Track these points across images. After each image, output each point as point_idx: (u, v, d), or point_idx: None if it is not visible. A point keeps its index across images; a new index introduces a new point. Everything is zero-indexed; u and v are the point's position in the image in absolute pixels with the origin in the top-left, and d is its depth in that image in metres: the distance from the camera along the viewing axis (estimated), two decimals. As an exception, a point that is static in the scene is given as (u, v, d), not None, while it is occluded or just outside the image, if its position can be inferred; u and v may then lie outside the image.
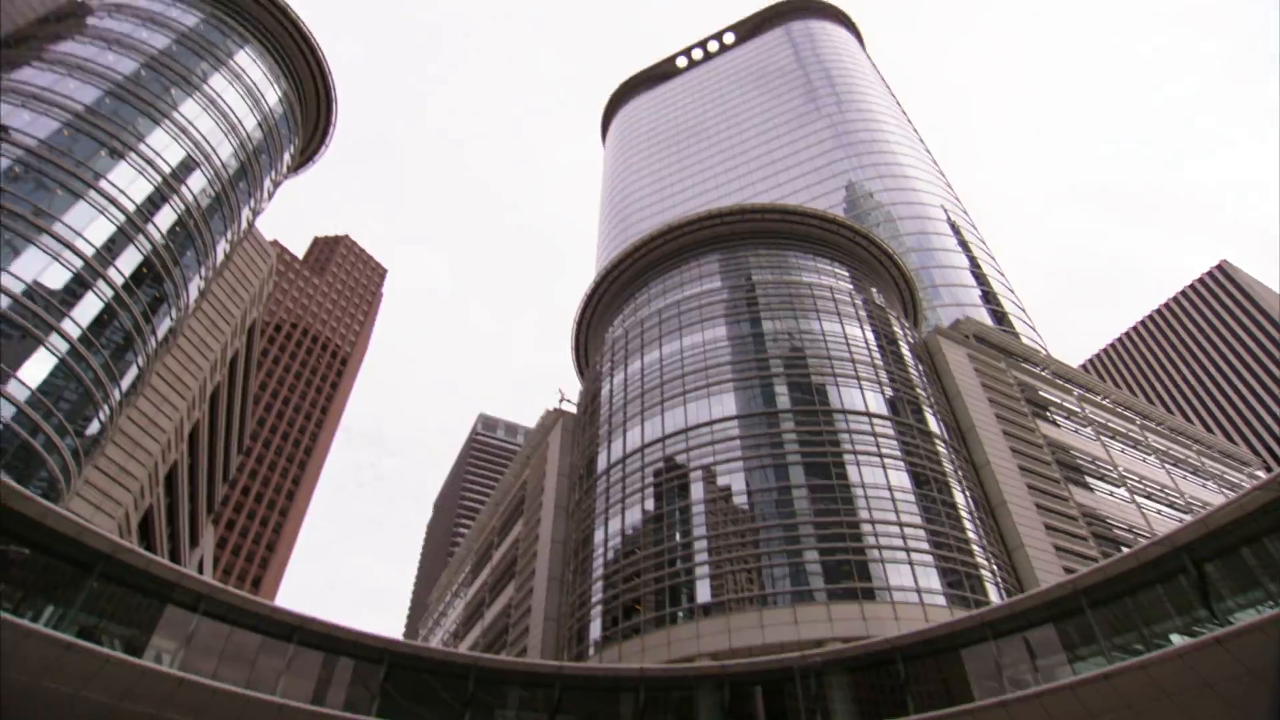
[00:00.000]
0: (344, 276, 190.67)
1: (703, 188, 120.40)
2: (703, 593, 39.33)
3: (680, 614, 39.00)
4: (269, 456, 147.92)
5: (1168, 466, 64.83)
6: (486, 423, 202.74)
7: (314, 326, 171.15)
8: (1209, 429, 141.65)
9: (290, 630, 27.36)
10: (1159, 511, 56.89)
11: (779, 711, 30.18)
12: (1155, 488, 60.19)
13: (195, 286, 37.81)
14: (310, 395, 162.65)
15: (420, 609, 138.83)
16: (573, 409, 65.73)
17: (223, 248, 40.73)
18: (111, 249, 31.22)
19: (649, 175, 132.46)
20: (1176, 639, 23.25)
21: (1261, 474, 74.61)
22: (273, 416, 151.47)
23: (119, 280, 30.86)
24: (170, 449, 37.90)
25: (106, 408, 30.40)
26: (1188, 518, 48.52)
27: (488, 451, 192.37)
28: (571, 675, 32.01)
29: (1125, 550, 37.60)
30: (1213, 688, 22.48)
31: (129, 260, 31.84)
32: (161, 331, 34.46)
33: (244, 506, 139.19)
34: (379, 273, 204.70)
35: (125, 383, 31.57)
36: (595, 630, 42.88)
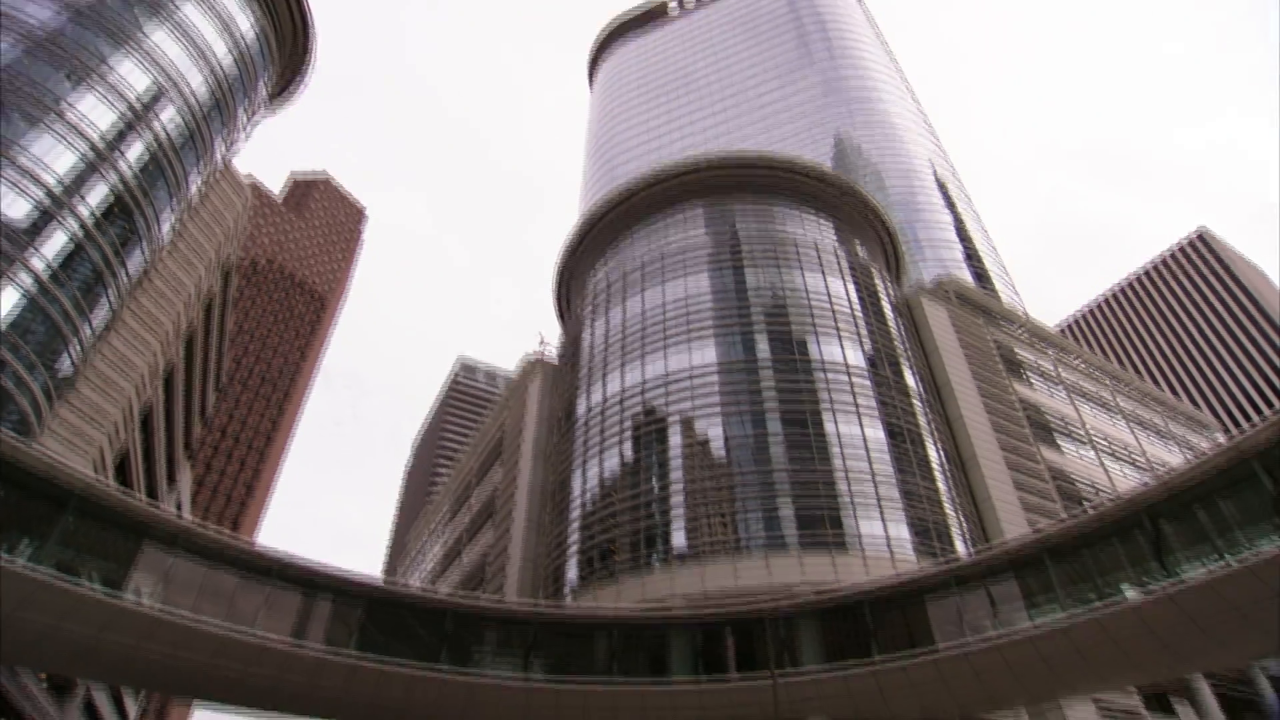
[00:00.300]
0: (322, 217, 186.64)
1: (691, 135, 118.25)
2: (678, 539, 40.15)
3: (655, 559, 39.86)
4: (247, 397, 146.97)
5: (1134, 428, 66.55)
6: (466, 367, 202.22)
7: (292, 267, 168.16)
8: (1175, 393, 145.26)
9: (268, 569, 27.61)
10: (1123, 472, 58.63)
11: (749, 654, 31.21)
12: (1121, 448, 61.89)
13: (168, 223, 36.76)
14: (288, 337, 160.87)
15: (399, 550, 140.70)
16: (553, 354, 65.69)
17: (196, 183, 39.50)
18: (78, 181, 30.13)
19: (636, 120, 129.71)
20: (1128, 590, 24.24)
21: (1221, 438, 76.91)
22: (250, 357, 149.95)
23: (87, 214, 29.89)
24: (145, 388, 37.42)
25: (78, 345, 29.82)
26: (1149, 477, 50.07)
27: (467, 396, 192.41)
28: (548, 617, 32.84)
29: (1088, 506, 38.86)
30: (1159, 636, 23.63)
31: (97, 193, 30.79)
32: (133, 268, 33.61)
33: (222, 447, 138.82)
34: (358, 214, 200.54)
35: (97, 320, 30.90)
36: (572, 574, 43.77)
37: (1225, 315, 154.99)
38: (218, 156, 42.10)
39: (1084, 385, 65.80)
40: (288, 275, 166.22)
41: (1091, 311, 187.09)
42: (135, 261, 33.53)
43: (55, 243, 28.75)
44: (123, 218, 32.25)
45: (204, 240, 41.73)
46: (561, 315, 71.14)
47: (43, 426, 28.85)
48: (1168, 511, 23.96)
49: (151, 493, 46.60)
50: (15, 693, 38.49)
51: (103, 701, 63.24)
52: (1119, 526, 25.04)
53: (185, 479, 65.76)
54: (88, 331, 30.45)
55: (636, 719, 31.29)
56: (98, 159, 31.30)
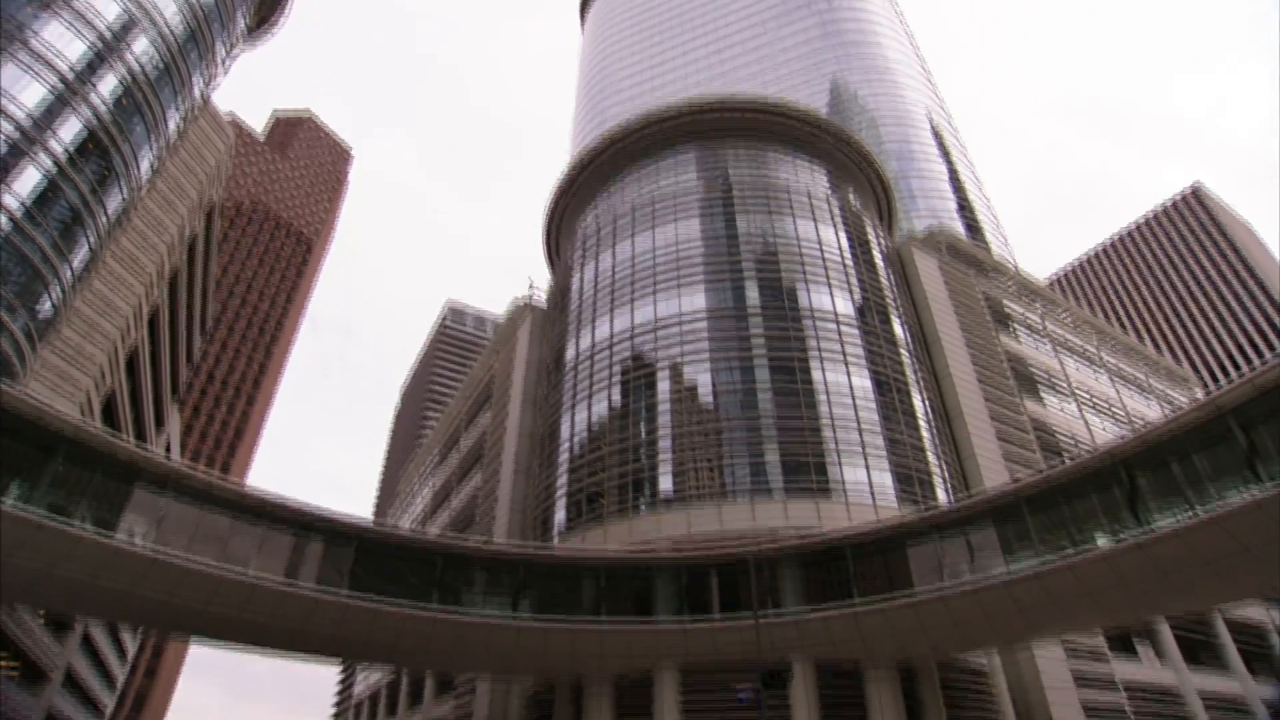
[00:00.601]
0: (307, 158, 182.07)
1: (685, 78, 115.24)
2: (665, 484, 40.72)
3: (642, 504, 40.50)
4: (234, 343, 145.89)
5: (1116, 382, 67.45)
6: (454, 312, 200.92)
7: (277, 209, 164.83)
8: (1159, 349, 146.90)
9: (260, 512, 27.90)
10: (1103, 425, 59.66)
11: (732, 596, 32.12)
12: (1102, 402, 62.83)
13: (147, 162, 35.72)
14: (275, 281, 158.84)
15: (389, 495, 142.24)
16: (542, 300, 65.33)
17: (175, 121, 38.25)
18: (49, 115, 29.06)
19: (629, 62, 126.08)
20: (1101, 539, 24.97)
21: (1200, 394, 78.02)
22: (236, 302, 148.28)
23: (61, 151, 28.95)
24: (130, 331, 37.02)
25: (58, 287, 29.30)
26: (1127, 431, 50.95)
27: (456, 341, 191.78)
28: (536, 558, 33.52)
29: (1067, 458, 39.67)
30: (1128, 584, 24.48)
31: (70, 130, 29.75)
32: (113, 209, 32.80)
33: (210, 392, 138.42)
34: (344, 155, 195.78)
35: (77, 262, 30.31)
36: (560, 517, 44.49)
37: (1213, 272, 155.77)
38: (196, 92, 40.70)
39: (1069, 339, 66.35)
40: (273, 218, 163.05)
41: (1081, 265, 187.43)
42: (114, 201, 32.70)
43: (29, 180, 27.91)
44: (98, 155, 31.29)
45: (185, 181, 40.70)
46: (551, 260, 70.49)
47: (27, 370, 28.57)
48: (1143, 464, 24.50)
49: (140, 436, 46.62)
50: (14, 629, 39.20)
51: (100, 637, 64.58)
52: (1096, 478, 25.63)
53: (174, 423, 65.73)
54: (68, 274, 29.89)
55: (622, 657, 32.35)
56: (68, 92, 30.16)
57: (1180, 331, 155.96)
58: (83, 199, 30.11)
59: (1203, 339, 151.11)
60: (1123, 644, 45.39)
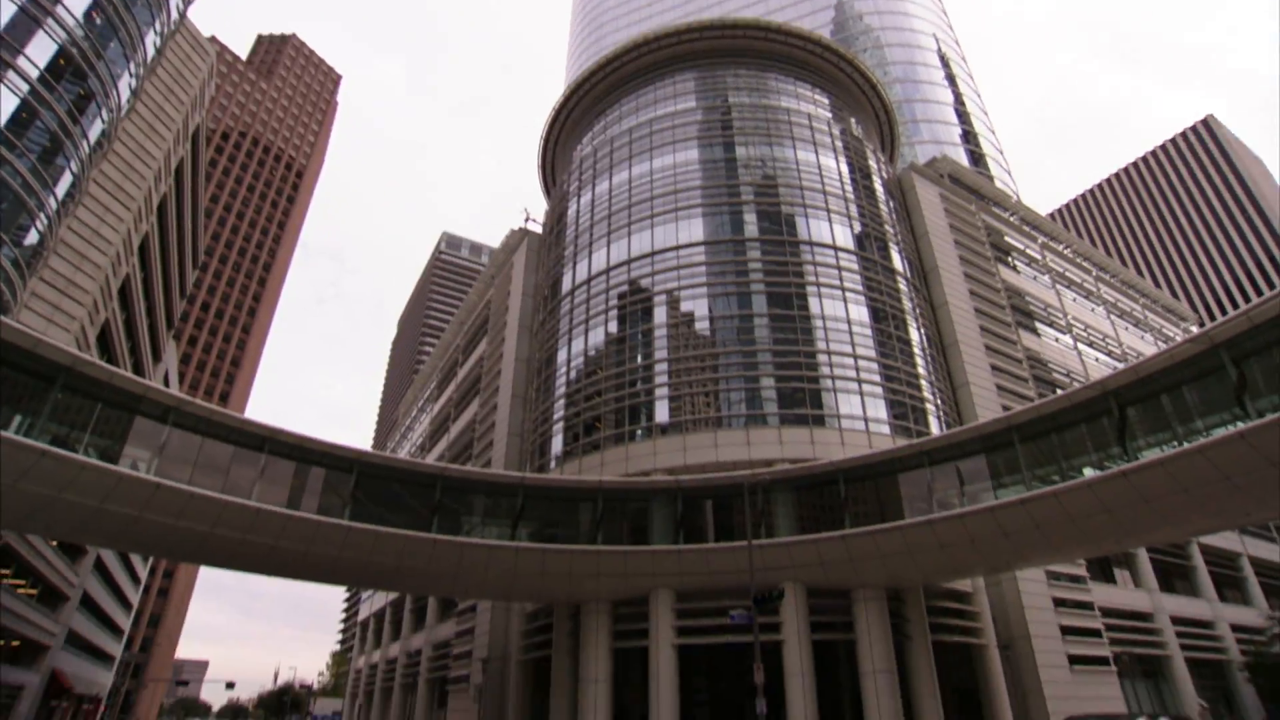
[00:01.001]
0: (293, 81, 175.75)
1: (684, 4, 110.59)
2: (661, 413, 41.17)
3: (639, 432, 41.05)
4: (227, 273, 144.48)
5: (1113, 317, 67.46)
6: (450, 241, 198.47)
7: (265, 136, 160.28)
8: (1158, 284, 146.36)
9: (261, 441, 28.23)
10: (1097, 359, 59.99)
11: (727, 524, 32.98)
12: (1098, 336, 63.00)
13: (126, 85, 34.41)
14: (266, 210, 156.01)
15: (387, 424, 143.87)
16: (538, 228, 64.54)
17: (152, 40, 36.67)
18: (17, 34, 27.85)
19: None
20: (1088, 471, 25.48)
21: (1195, 328, 78.28)
22: (228, 231, 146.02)
23: (33, 72, 27.85)
24: (120, 262, 36.55)
25: (43, 216, 28.72)
26: (1121, 365, 51.28)
27: (452, 270, 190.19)
28: (534, 485, 34.16)
29: (1059, 392, 40.05)
30: (1111, 512, 25.12)
31: (41, 49, 28.51)
32: (93, 134, 31.81)
33: (206, 323, 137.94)
34: (332, 78, 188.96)
35: (60, 189, 29.61)
36: (557, 445, 45.18)
37: (1219, 206, 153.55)
38: (173, 8, 38.92)
39: (1069, 272, 66.00)
40: (261, 145, 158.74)
41: (1085, 197, 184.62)
42: (95, 127, 31.70)
43: (3, 104, 26.97)
44: (73, 76, 30.13)
45: (167, 105, 39.39)
46: (547, 188, 69.22)
47: (18, 302, 28.34)
48: (1134, 397, 24.75)
49: (137, 368, 46.72)
50: (29, 555, 40.29)
51: (113, 562, 66.49)
52: (1087, 410, 25.93)
53: (170, 355, 65.78)
54: (52, 202, 29.25)
55: (619, 578, 33.43)
56: (36, 8, 28.81)
57: (1181, 266, 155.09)
58: (61, 123, 29.18)
59: (1202, 275, 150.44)
60: (1102, 570, 47.06)
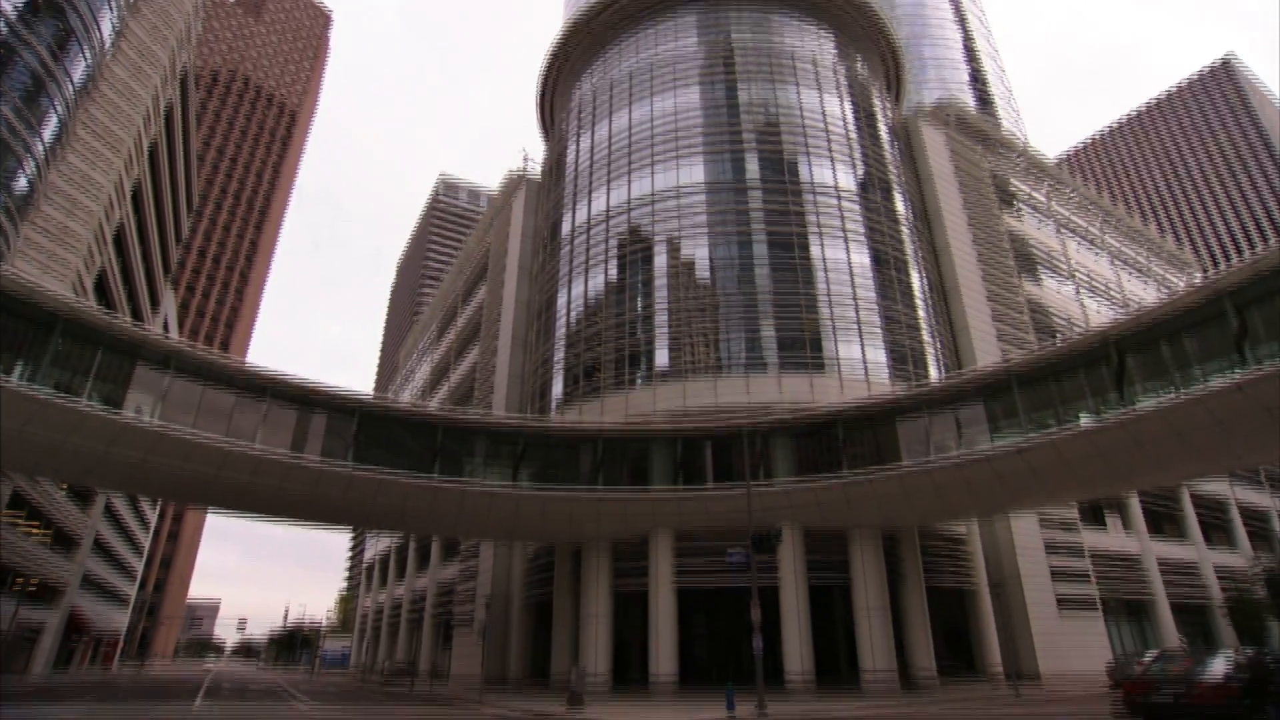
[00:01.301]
0: (283, 19, 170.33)
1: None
2: (661, 358, 41.27)
3: (639, 378, 41.24)
4: (223, 218, 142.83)
5: (1116, 265, 66.97)
6: (448, 185, 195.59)
7: (255, 77, 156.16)
8: (1164, 231, 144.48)
9: (262, 387, 28.39)
10: (1098, 308, 59.82)
11: (726, 468, 33.41)
12: (1100, 284, 62.64)
13: (108, 22, 33.34)
14: (259, 153, 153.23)
15: (388, 369, 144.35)
16: (537, 173, 63.54)
17: (133, -26, 35.40)
18: (-5, -31, 26.81)
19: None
20: (1084, 418, 25.69)
21: (1199, 278, 77.71)
22: (221, 176, 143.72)
23: (9, 9, 26.93)
24: (114, 208, 36.08)
25: (32, 161, 28.21)
26: (1122, 313, 51.12)
27: (450, 215, 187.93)
28: (535, 430, 34.53)
29: (1060, 340, 40.06)
30: (1105, 457, 25.44)
31: (20, -16, 27.54)
32: (77, 75, 30.98)
33: (203, 270, 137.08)
34: (323, 17, 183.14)
35: (47, 133, 28.99)
36: (557, 389, 45.48)
37: (1230, 152, 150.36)
38: (153, -58, 37.42)
39: (1073, 219, 65.19)
40: (252, 87, 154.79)
41: (1095, 141, 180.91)
42: (78, 66, 30.84)
43: (-14, 43, 26.16)
44: (53, 15, 29.17)
45: (153, 45, 38.23)
46: (545, 130, 67.78)
47: (12, 250, 28.08)
48: (1134, 345, 24.77)
49: (136, 315, 46.61)
50: (40, 500, 40.98)
51: (122, 508, 67.69)
52: (1086, 357, 25.98)
53: (169, 302, 65.55)
54: (39, 146, 28.69)
55: (619, 522, 34.08)
56: (14, -58, 27.67)
57: (1189, 214, 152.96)
58: (44, 65, 28.39)
59: (1209, 223, 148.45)
60: (1094, 515, 47.92)
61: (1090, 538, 45.72)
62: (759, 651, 23.02)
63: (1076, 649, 40.33)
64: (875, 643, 31.44)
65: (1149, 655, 32.26)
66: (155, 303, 53.84)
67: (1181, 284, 72.02)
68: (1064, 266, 59.51)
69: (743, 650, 34.32)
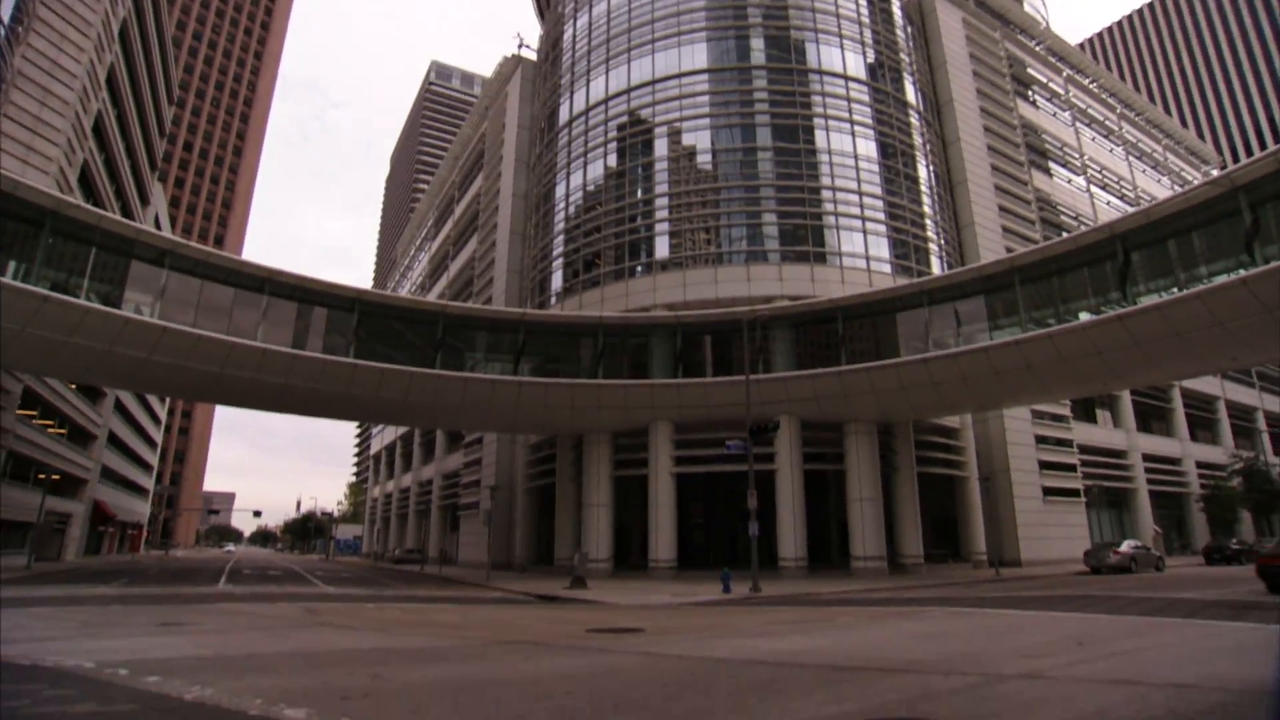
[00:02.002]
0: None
1: None
2: (661, 249, 40.83)
3: (639, 268, 40.98)
4: (207, 109, 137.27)
5: (1131, 159, 64.90)
6: (440, 71, 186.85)
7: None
8: (1184, 123, 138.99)
9: (261, 282, 28.21)
10: (1108, 203, 58.48)
11: (726, 360, 33.77)
12: (1112, 179, 60.97)
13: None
14: (240, 38, 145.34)
15: (386, 264, 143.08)
16: (532, 56, 60.60)
17: None
18: None
19: None
20: (1084, 314, 25.70)
21: (1215, 171, 75.56)
22: (201, 63, 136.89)
23: None
24: (89, 96, 34.57)
25: (-2, 44, 26.77)
26: (1132, 210, 50.10)
27: (443, 102, 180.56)
28: (535, 321, 34.65)
29: (1065, 235, 39.42)
30: (1101, 355, 25.63)
31: None
32: (36, -54, 28.91)
33: (191, 164, 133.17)
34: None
35: (5, 12, 27.39)
36: (557, 281, 45.31)
37: (1270, 35, 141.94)
38: None
39: (1091, 108, 62.65)
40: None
41: (1120, 24, 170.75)
42: (37, -63, 28.72)
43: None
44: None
45: (113, -90, 35.43)
46: (540, 10, 63.99)
47: (-11, 138, 27.14)
48: (1141, 241, 24.40)
49: (126, 212, 45.69)
50: (51, 397, 41.66)
51: (131, 403, 68.94)
52: (1091, 253, 25.66)
53: (159, 198, 64.08)
54: None
55: (619, 410, 34.76)
56: None
57: (1214, 105, 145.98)
58: (0, -67, 26.42)
59: (1235, 115, 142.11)
60: (1085, 411, 48.90)
61: (1080, 432, 46.87)
62: (755, 536, 24.09)
63: (1058, 537, 42.22)
64: (866, 530, 32.84)
65: (1125, 543, 33.96)
66: (144, 198, 52.66)
67: (1197, 179, 70.13)
68: (1076, 160, 57.77)
69: (739, 536, 35.91)
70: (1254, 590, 18.24)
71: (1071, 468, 45.15)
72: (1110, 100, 65.88)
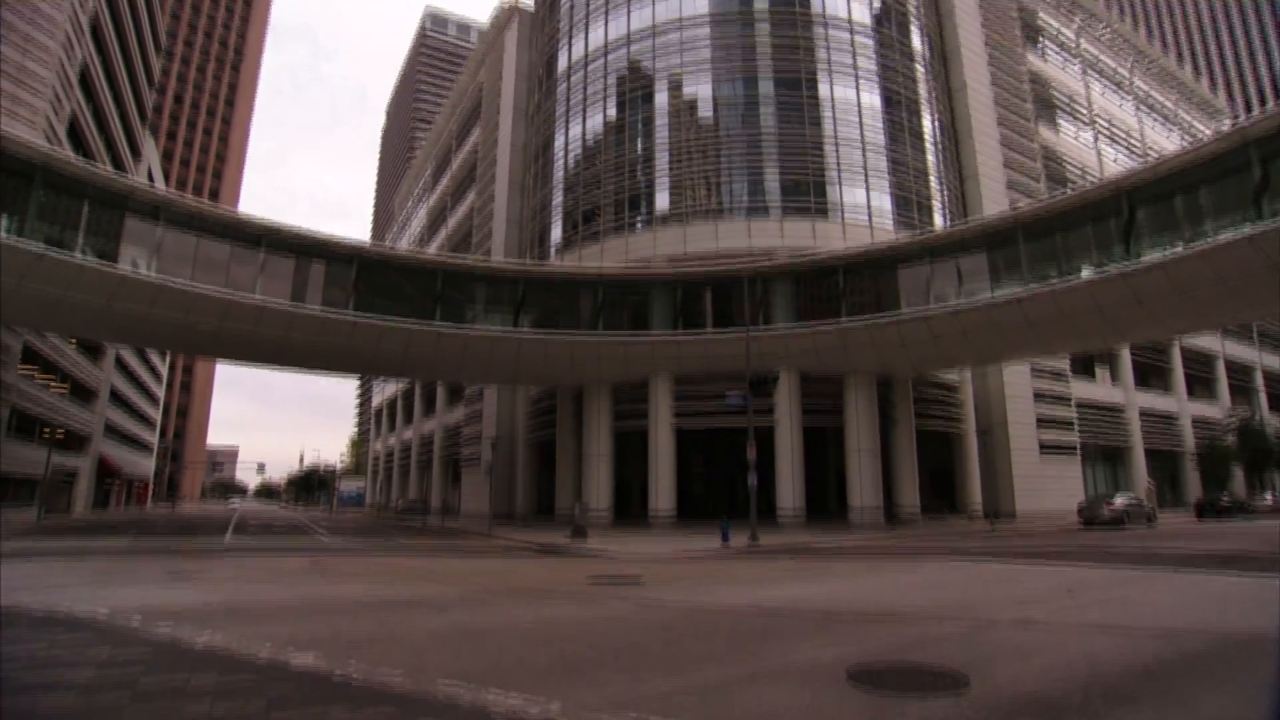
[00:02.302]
0: None
1: None
2: (661, 202, 40.33)
3: (639, 222, 40.60)
4: (196, 59, 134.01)
5: (1141, 112, 63.61)
6: (435, 19, 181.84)
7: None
8: (1197, 75, 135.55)
9: (257, 237, 27.96)
10: (1116, 158, 57.54)
11: (725, 313, 33.68)
12: (1121, 132, 59.85)
13: None
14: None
15: (384, 217, 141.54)
16: (529, 3, 58.91)
17: None
18: None
19: None
20: (1086, 271, 25.53)
21: (1227, 125, 74.04)
22: (188, 10, 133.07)
23: None
24: (73, 46, 33.72)
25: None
26: (1139, 164, 49.33)
27: (439, 52, 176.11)
28: (534, 274, 34.50)
29: (1071, 189, 38.91)
30: (1102, 312, 25.57)
31: None
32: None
33: (182, 117, 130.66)
34: None
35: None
36: (556, 234, 44.91)
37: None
38: None
39: (1102, 59, 61.09)
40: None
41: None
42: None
43: None
44: None
45: None
46: (537, -44, 61.95)
47: (-25, 88, 26.57)
48: (1147, 197, 24.09)
49: (117, 164, 44.99)
50: (52, 353, 41.69)
51: (132, 359, 69.05)
52: (1096, 209, 25.36)
53: (151, 152, 63.05)
54: (-14, -30, 26.34)
55: (619, 365, 34.86)
56: None
57: (1232, 58, 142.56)
58: None
59: (1252, 69, 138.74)
60: (1084, 367, 48.99)
61: (1079, 388, 47.05)
62: (754, 488, 24.39)
63: (1053, 490, 42.75)
64: (864, 483, 33.22)
65: (1118, 497, 34.43)
66: (136, 152, 51.83)
67: (1208, 134, 68.86)
68: (1085, 113, 56.65)
69: (738, 488, 36.35)
70: (1241, 543, 18.57)
71: (1069, 423, 45.46)
72: (1122, 50, 64.25)
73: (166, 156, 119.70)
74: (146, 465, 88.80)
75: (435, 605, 9.64)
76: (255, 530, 34.47)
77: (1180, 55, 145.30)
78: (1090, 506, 33.93)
